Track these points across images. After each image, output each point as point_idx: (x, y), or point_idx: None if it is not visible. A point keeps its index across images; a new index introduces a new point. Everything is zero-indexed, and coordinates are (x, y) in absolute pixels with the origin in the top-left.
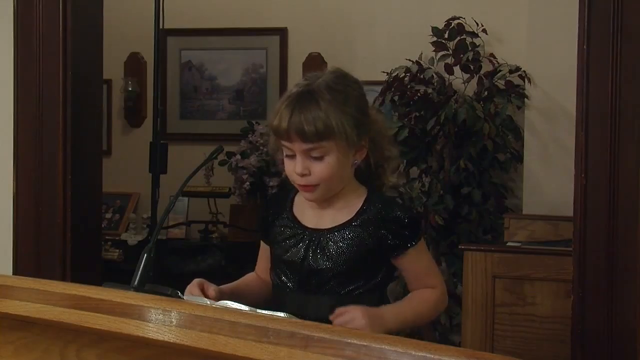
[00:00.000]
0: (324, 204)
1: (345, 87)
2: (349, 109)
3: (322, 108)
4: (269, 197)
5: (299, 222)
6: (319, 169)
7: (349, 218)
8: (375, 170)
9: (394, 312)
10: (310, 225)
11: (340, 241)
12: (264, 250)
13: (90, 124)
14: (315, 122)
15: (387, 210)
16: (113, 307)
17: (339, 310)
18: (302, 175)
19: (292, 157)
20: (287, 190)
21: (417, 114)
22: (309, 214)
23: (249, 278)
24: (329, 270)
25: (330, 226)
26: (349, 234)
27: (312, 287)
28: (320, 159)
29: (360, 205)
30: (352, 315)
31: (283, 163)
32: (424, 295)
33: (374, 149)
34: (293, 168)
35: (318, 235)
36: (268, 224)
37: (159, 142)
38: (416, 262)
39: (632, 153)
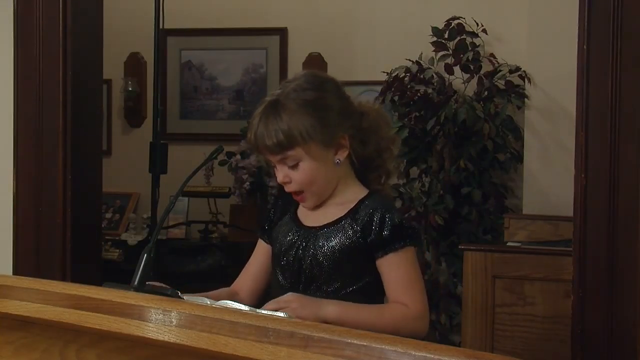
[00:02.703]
0: (322, 203)
1: (316, 89)
2: (318, 112)
3: (284, 119)
4: (276, 198)
5: (299, 221)
6: (297, 176)
7: (342, 215)
8: (371, 162)
9: (338, 307)
10: (307, 224)
11: (329, 238)
12: (260, 254)
13: (90, 124)
14: (277, 134)
15: (380, 210)
16: (113, 307)
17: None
18: (284, 182)
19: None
20: None
21: (417, 114)
22: (309, 213)
23: (221, 294)
24: (315, 266)
25: (322, 224)
26: (338, 231)
27: (302, 284)
28: (295, 166)
29: (355, 204)
30: (285, 300)
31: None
32: (389, 307)
33: (365, 142)
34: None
35: (310, 233)
36: (272, 224)
37: (159, 142)
38: (395, 270)
39: (632, 153)
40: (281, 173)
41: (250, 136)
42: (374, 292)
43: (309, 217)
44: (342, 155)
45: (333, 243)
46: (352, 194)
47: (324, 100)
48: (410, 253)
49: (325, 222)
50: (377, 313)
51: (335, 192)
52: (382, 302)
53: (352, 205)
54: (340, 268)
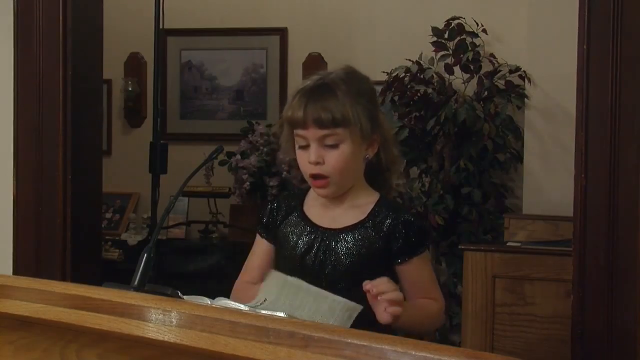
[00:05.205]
0: (334, 203)
1: (357, 81)
2: (363, 101)
3: (339, 97)
4: (278, 197)
5: (310, 221)
6: (333, 158)
7: (361, 219)
8: (384, 173)
9: (408, 307)
10: (325, 225)
11: (351, 241)
12: (263, 249)
13: (90, 124)
14: (332, 109)
15: (400, 215)
16: (113, 307)
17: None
18: (316, 163)
19: (306, 147)
20: (298, 192)
21: (417, 114)
22: (320, 213)
23: (240, 289)
24: (338, 270)
25: (341, 226)
26: (360, 235)
27: (322, 287)
28: (334, 147)
29: (372, 207)
30: (391, 286)
31: (285, 163)
32: (430, 305)
33: (384, 148)
34: (307, 159)
35: (329, 235)
36: (275, 225)
37: (159, 142)
38: (420, 271)
39: (632, 153)
40: (315, 153)
41: (293, 111)
42: None
43: (323, 218)
44: (372, 152)
45: (355, 248)
46: (366, 197)
47: (366, 94)
48: (428, 254)
49: (345, 225)
50: (426, 311)
51: (349, 194)
52: None
53: (369, 209)
54: (363, 272)
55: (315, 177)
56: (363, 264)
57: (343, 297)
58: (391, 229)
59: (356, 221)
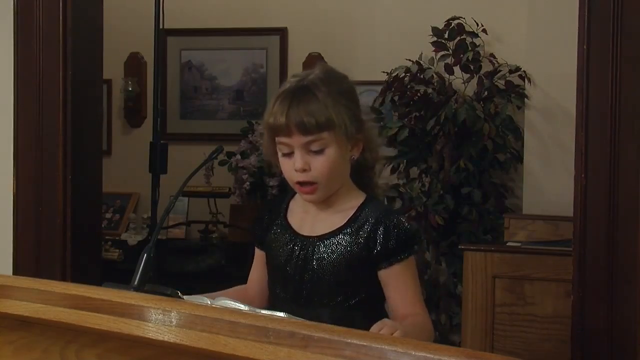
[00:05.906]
0: (319, 208)
1: (337, 80)
2: (344, 101)
3: (320, 99)
4: (265, 204)
5: (291, 228)
6: (320, 163)
7: (341, 225)
8: (369, 172)
9: (406, 332)
10: (303, 232)
11: (331, 248)
12: (259, 258)
13: (90, 124)
14: (315, 113)
15: (382, 219)
16: (113, 307)
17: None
18: (303, 170)
19: (289, 155)
20: (282, 197)
21: (417, 114)
22: (303, 219)
23: (238, 289)
24: (320, 278)
25: (319, 233)
26: (340, 241)
27: (304, 296)
28: (320, 152)
29: (353, 212)
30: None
31: (278, 166)
32: (423, 325)
33: (368, 147)
34: (291, 166)
35: (309, 243)
36: (264, 231)
37: (159, 142)
38: (403, 279)
39: (632, 153)
40: (301, 160)
41: (275, 118)
42: (374, 303)
43: (303, 224)
44: (356, 152)
45: (334, 256)
46: (351, 199)
47: (347, 93)
48: (413, 262)
49: (324, 232)
50: (421, 330)
51: (335, 198)
52: (382, 312)
53: (351, 213)
54: (342, 281)
55: (302, 184)
56: (342, 272)
57: (324, 306)
58: (370, 235)
59: (334, 228)
